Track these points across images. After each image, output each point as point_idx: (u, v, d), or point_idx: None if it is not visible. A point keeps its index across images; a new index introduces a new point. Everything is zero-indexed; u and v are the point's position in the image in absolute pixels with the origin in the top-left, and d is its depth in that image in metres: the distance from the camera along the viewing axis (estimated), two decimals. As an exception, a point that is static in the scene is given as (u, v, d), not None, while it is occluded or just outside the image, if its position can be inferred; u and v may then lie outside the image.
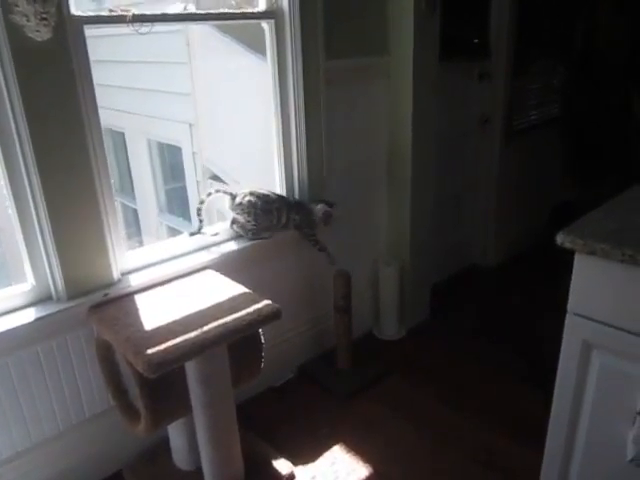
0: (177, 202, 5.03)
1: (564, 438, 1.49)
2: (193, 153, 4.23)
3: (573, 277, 1.34)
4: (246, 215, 2.08)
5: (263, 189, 2.15)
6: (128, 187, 5.29)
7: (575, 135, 3.85)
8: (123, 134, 5.03)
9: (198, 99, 3.98)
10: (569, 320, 1.37)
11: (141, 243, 5.23)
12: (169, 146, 4.78)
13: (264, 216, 2.10)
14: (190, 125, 4.15)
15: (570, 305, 1.36)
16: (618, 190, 1.54)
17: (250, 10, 2.00)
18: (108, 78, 4.14)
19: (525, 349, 2.62)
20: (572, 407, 1.43)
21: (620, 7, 3.60)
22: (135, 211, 5.29)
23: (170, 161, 4.96)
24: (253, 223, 2.09)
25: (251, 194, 2.10)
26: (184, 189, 4.60)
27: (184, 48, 3.91)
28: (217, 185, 4.15)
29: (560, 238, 1.31)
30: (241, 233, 2.12)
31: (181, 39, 3.92)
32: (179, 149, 4.49)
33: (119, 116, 4.61)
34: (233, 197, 2.11)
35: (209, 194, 2.11)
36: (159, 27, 1.79)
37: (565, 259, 1.40)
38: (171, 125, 4.36)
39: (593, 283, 1.30)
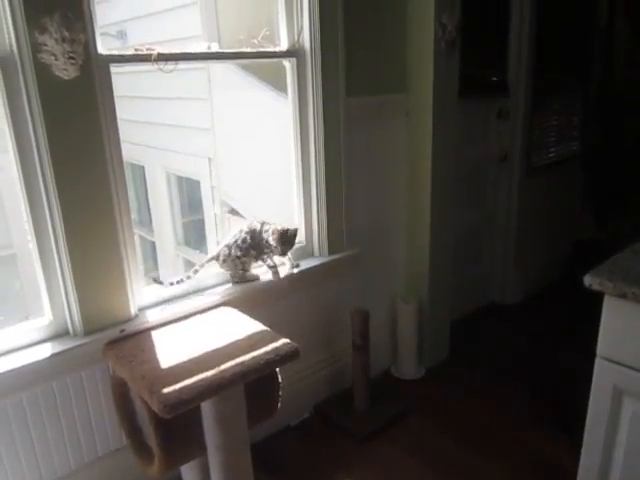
0: (194, 235, 5.05)
1: (594, 488, 1.42)
2: (212, 187, 4.27)
3: (602, 320, 1.30)
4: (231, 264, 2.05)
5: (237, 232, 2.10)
6: (146, 220, 5.34)
7: (594, 172, 3.82)
8: (143, 167, 5.09)
9: (217, 134, 4.04)
10: (598, 365, 1.32)
11: (159, 275, 5.24)
12: (188, 180, 4.83)
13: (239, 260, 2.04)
14: (209, 159, 4.20)
15: (599, 349, 1.32)
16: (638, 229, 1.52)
17: (272, 49, 2.03)
18: (129, 113, 4.22)
19: (547, 391, 2.54)
20: (603, 455, 1.38)
21: (637, 43, 3.61)
22: (153, 244, 5.31)
23: (188, 194, 5.01)
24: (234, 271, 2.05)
25: (226, 246, 2.05)
26: (202, 222, 4.62)
27: (205, 84, 3.98)
28: (235, 220, 4.18)
29: (588, 280, 1.28)
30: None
31: (202, 75, 4.00)
32: (198, 183, 4.53)
33: (139, 150, 4.69)
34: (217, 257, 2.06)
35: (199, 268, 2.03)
36: (182, 65, 1.82)
37: (588, 299, 1.37)
38: (190, 159, 4.42)
39: (623, 327, 1.26)
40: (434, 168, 2.50)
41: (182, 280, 1.94)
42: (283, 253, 2.04)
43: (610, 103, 3.69)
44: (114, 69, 1.66)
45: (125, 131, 1.76)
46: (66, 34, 1.46)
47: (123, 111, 1.70)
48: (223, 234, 4.36)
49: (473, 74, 2.81)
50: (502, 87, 3.09)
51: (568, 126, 3.70)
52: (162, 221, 5.09)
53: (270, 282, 2.09)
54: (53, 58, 1.47)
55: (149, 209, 5.23)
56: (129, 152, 1.58)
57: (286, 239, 2.02)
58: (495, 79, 3.07)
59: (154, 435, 1.52)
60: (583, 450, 1.43)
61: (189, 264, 4.88)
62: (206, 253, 4.71)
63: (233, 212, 4.21)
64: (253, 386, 1.63)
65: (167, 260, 5.16)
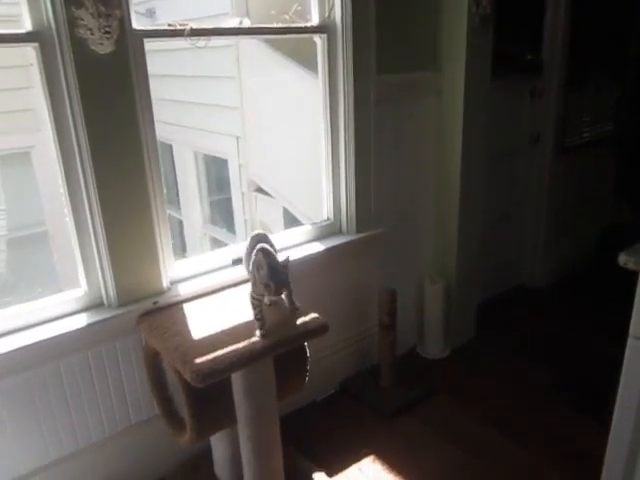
0: (222, 214, 5.10)
1: (622, 470, 1.42)
2: (239, 166, 4.29)
3: (636, 300, 1.28)
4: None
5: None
6: (174, 198, 5.40)
7: (628, 155, 3.73)
8: (171, 146, 5.14)
9: (246, 113, 4.04)
10: (631, 344, 1.31)
11: (185, 253, 5.31)
12: (215, 158, 4.86)
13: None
14: (237, 138, 4.21)
15: (633, 329, 1.30)
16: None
17: (304, 25, 2.02)
18: (157, 91, 4.24)
19: (574, 374, 2.52)
20: (633, 437, 1.37)
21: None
22: (180, 222, 5.38)
23: (216, 173, 5.04)
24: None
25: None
26: (229, 201, 4.66)
27: (233, 63, 3.98)
28: (262, 197, 4.20)
29: (623, 259, 1.27)
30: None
31: (231, 54, 3.99)
32: (225, 161, 4.56)
33: (167, 128, 4.72)
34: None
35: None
36: (212, 42, 1.82)
37: (617, 282, 1.36)
38: (218, 138, 4.44)
39: (658, 307, 1.25)
40: (465, 148, 2.47)
41: None
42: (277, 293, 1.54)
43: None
44: (147, 45, 1.68)
45: (155, 109, 1.78)
46: (102, 9, 1.48)
47: (152, 89, 1.72)
48: (250, 213, 4.39)
49: (506, 52, 2.74)
50: (536, 66, 3.02)
51: (602, 107, 3.60)
52: (190, 199, 5.14)
53: (299, 259, 2.10)
54: (89, 33, 1.49)
55: (177, 187, 5.28)
56: (157, 130, 1.59)
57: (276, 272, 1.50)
58: (529, 57, 3.00)
59: (186, 404, 1.57)
60: (612, 431, 1.43)
61: (216, 242, 4.94)
62: (233, 232, 4.78)
63: (260, 191, 4.23)
64: (282, 359, 1.66)
65: (194, 238, 5.23)
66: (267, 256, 1.49)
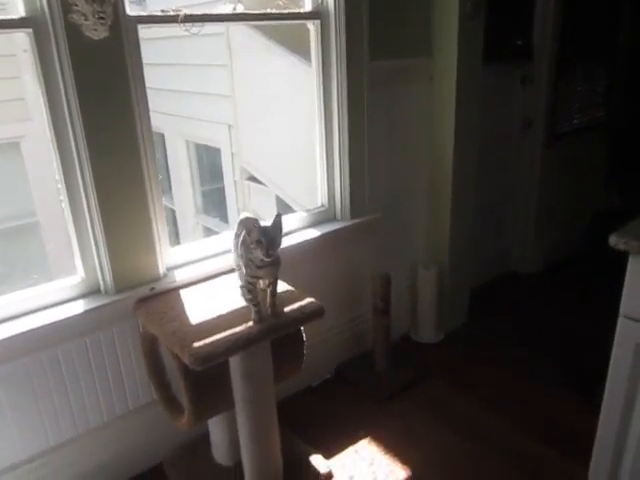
0: (214, 203, 5.09)
1: (613, 446, 1.46)
2: (232, 154, 4.28)
3: (627, 279, 1.31)
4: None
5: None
6: (166, 188, 5.38)
7: (618, 141, 3.76)
8: (162, 135, 5.12)
9: (238, 101, 4.03)
10: (622, 323, 1.34)
11: (179, 243, 5.31)
12: (207, 147, 4.85)
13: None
14: (229, 126, 4.21)
15: (623, 308, 1.33)
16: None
17: (297, 11, 2.02)
18: (149, 80, 4.22)
19: (565, 355, 2.57)
20: (622, 415, 1.40)
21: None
22: (173, 211, 5.37)
23: (208, 162, 5.03)
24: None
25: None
26: (221, 190, 4.65)
27: (225, 50, 3.97)
28: (255, 186, 4.20)
29: (613, 240, 1.29)
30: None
31: (222, 42, 3.98)
32: (217, 150, 4.55)
33: (159, 117, 4.70)
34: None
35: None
36: (203, 30, 1.82)
37: (606, 268, 1.38)
38: (210, 126, 4.43)
39: (648, 286, 1.28)
40: (457, 134, 2.49)
41: None
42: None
43: (638, 71, 3.61)
44: (140, 32, 1.67)
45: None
46: (96, -6, 1.48)
47: (145, 78, 1.72)
48: (243, 201, 4.40)
49: (497, 38, 2.76)
50: (526, 52, 3.04)
51: (592, 93, 3.63)
52: (182, 189, 5.13)
53: (294, 246, 2.11)
54: (83, 18, 1.48)
55: (169, 177, 5.27)
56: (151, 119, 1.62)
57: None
58: (520, 43, 3.02)
59: (184, 388, 1.58)
60: (602, 409, 1.46)
61: (208, 232, 4.94)
62: (226, 221, 4.78)
63: (253, 179, 4.23)
64: (279, 343, 1.68)
65: (187, 228, 5.22)
66: (256, 220, 1.48)
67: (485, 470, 1.95)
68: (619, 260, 1.36)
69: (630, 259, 1.29)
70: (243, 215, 1.67)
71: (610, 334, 1.40)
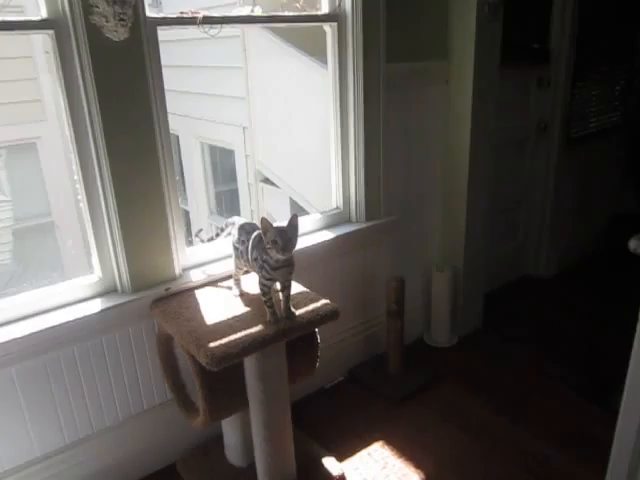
0: (228, 205, 5.12)
1: (630, 457, 1.44)
2: (246, 156, 4.30)
3: (647, 284, 1.29)
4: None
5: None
6: (180, 189, 5.42)
7: (635, 145, 3.73)
8: (177, 137, 5.15)
9: (252, 103, 4.05)
10: (641, 329, 1.32)
11: (192, 244, 5.34)
12: (222, 149, 4.87)
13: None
14: (244, 128, 4.22)
15: (643, 313, 1.32)
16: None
17: (314, 13, 2.03)
18: (166, 82, 4.25)
19: (580, 361, 2.54)
20: (641, 421, 1.38)
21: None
22: (187, 213, 5.40)
23: (222, 164, 5.06)
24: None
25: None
26: (235, 192, 4.67)
27: (240, 53, 3.99)
28: (268, 188, 4.21)
29: (633, 244, 1.28)
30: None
31: (237, 44, 4.00)
32: (231, 152, 4.57)
33: (174, 119, 4.73)
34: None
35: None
36: (222, 31, 1.83)
37: (622, 272, 1.37)
38: (225, 128, 4.45)
39: (668, 291, 1.26)
40: (473, 137, 2.48)
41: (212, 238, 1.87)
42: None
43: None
44: (159, 34, 1.69)
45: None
46: (117, -4, 1.49)
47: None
48: (257, 203, 4.41)
49: (514, 41, 2.75)
50: (543, 55, 3.02)
51: (609, 97, 3.60)
52: (196, 190, 5.16)
53: (308, 248, 2.12)
54: (104, 20, 1.50)
55: (183, 178, 5.30)
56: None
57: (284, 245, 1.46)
58: (537, 46, 3.00)
59: (199, 388, 1.59)
60: (620, 415, 1.44)
61: (222, 233, 4.95)
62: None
63: (267, 182, 4.25)
64: (294, 344, 1.68)
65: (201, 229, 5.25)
66: (271, 220, 1.50)
67: (498, 474, 1.93)
68: (637, 264, 1.35)
69: (650, 264, 1.27)
70: (236, 220, 1.73)
71: (628, 339, 1.38)
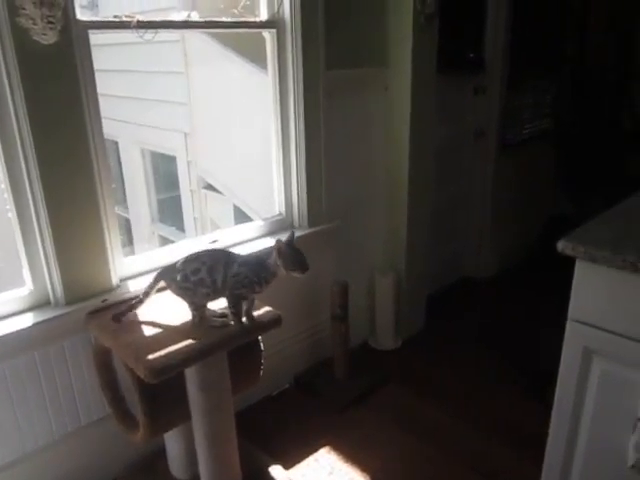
0: (170, 212, 5.02)
1: (564, 446, 1.49)
2: (188, 162, 4.23)
3: (574, 284, 1.35)
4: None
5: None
6: (121, 197, 5.27)
7: (567, 149, 3.90)
8: (117, 143, 5.02)
9: (194, 108, 4.00)
10: (570, 327, 1.38)
11: (133, 253, 5.20)
12: (163, 155, 4.78)
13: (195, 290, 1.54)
14: (185, 134, 4.16)
15: (571, 312, 1.37)
16: (609, 203, 1.56)
17: (253, 19, 2.02)
18: (102, 86, 4.14)
19: (520, 359, 2.63)
20: (572, 415, 1.44)
21: (610, 25, 3.67)
22: (127, 220, 5.26)
23: (164, 171, 4.96)
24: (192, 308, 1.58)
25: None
26: (178, 199, 4.59)
27: (181, 58, 3.93)
28: (211, 195, 4.16)
29: (561, 245, 1.33)
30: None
31: (178, 49, 3.94)
32: (173, 158, 4.49)
33: (113, 125, 4.61)
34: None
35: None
36: (159, 37, 1.79)
37: (558, 272, 1.42)
38: (166, 134, 4.37)
39: (593, 290, 1.32)
40: (412, 143, 2.52)
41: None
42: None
43: (583, 83, 3.76)
44: (92, 38, 1.64)
45: (100, 105, 1.73)
46: (44, -2, 1.44)
47: (97, 84, 1.68)
48: (200, 210, 4.35)
49: (451, 50, 2.83)
50: (479, 63, 3.12)
51: (542, 104, 3.76)
52: (137, 198, 5.04)
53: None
54: (31, 22, 1.44)
55: (123, 185, 5.17)
56: (103, 126, 1.55)
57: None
58: (472, 55, 3.10)
59: (139, 402, 1.55)
60: (554, 408, 1.49)
61: (165, 241, 4.86)
62: (182, 230, 4.71)
63: (210, 188, 4.19)
64: (237, 354, 1.66)
65: (142, 237, 5.13)
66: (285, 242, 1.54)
67: (445, 474, 1.97)
68: (570, 264, 1.40)
69: (577, 264, 1.32)
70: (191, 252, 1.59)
71: (562, 337, 1.44)
